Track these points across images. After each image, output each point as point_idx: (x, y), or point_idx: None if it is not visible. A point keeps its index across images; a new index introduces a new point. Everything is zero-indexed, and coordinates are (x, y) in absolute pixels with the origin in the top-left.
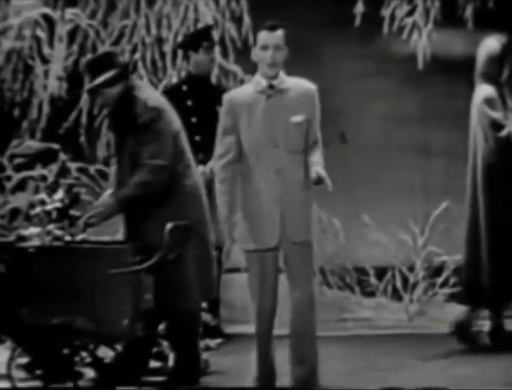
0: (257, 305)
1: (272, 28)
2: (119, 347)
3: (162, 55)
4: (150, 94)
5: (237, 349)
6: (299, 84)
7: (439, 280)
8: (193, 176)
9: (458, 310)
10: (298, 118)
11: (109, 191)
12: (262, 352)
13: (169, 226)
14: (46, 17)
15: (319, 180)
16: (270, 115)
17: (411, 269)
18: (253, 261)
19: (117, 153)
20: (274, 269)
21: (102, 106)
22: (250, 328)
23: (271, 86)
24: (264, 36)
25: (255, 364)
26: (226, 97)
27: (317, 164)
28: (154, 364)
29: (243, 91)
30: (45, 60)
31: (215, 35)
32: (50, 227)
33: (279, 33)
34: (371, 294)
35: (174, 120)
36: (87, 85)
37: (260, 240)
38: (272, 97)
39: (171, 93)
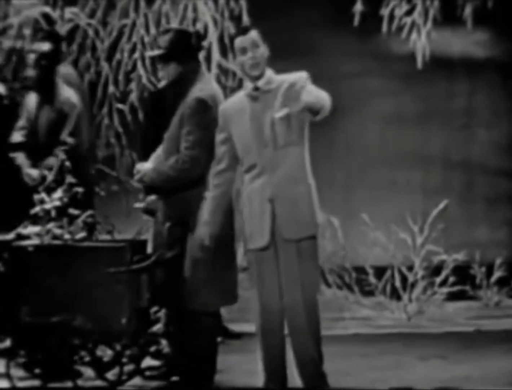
0: (259, 303)
1: (244, 31)
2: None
3: None
4: (207, 88)
5: (236, 348)
6: (286, 80)
7: (438, 279)
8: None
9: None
10: (281, 112)
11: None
12: (268, 351)
13: (167, 224)
14: (46, 16)
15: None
16: (257, 116)
17: (410, 268)
18: (251, 260)
19: (157, 135)
20: (273, 268)
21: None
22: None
23: (256, 88)
24: (239, 41)
25: (262, 363)
26: (220, 108)
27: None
28: (152, 362)
29: (234, 99)
30: None
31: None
32: (50, 225)
33: (253, 33)
34: (370, 293)
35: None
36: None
37: (253, 240)
38: (259, 99)
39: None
